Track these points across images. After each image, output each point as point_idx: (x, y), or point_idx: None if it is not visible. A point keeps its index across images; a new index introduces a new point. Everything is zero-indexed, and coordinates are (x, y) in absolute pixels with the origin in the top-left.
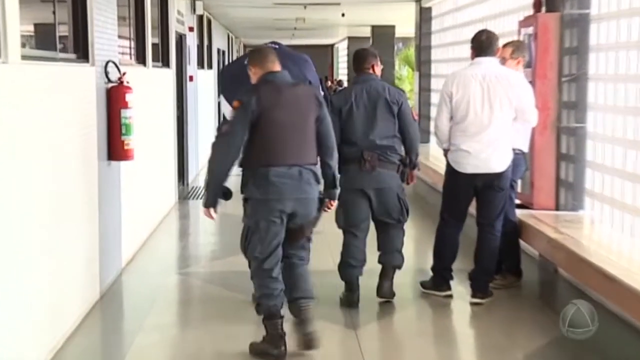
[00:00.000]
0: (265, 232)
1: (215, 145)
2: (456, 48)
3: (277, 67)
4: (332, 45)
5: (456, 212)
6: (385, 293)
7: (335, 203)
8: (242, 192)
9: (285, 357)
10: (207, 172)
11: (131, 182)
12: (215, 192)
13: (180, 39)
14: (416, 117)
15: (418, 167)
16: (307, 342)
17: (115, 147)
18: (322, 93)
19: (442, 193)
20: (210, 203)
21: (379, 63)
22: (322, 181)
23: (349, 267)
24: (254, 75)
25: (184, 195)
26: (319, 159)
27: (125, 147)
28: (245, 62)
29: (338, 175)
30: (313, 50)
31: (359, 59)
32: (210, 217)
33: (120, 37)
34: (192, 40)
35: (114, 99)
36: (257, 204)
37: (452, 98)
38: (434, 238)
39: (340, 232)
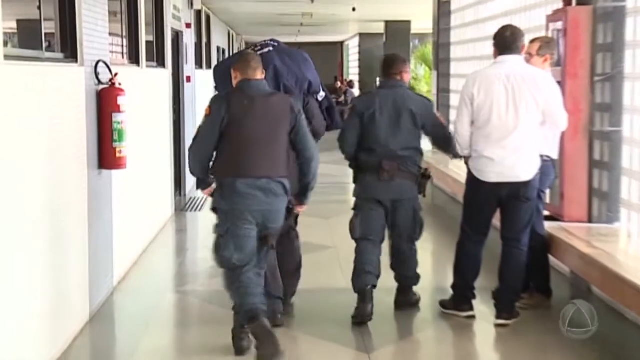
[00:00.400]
0: (238, 236)
1: (188, 153)
2: (478, 45)
3: (257, 75)
4: (341, 43)
5: (478, 224)
6: (405, 305)
7: (305, 208)
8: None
9: (285, 353)
10: (191, 169)
11: (124, 192)
12: (203, 178)
13: (177, 36)
14: (444, 121)
15: (462, 158)
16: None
17: (106, 154)
18: (323, 94)
19: (462, 204)
20: (202, 186)
21: (408, 70)
22: (288, 192)
23: (362, 273)
24: (235, 79)
25: (181, 206)
26: (299, 167)
27: (118, 155)
28: None
29: (314, 187)
30: (321, 48)
31: (387, 64)
32: (207, 193)
33: (111, 34)
34: (189, 38)
35: (105, 102)
36: (225, 213)
37: (473, 100)
38: (454, 253)
39: (351, 246)
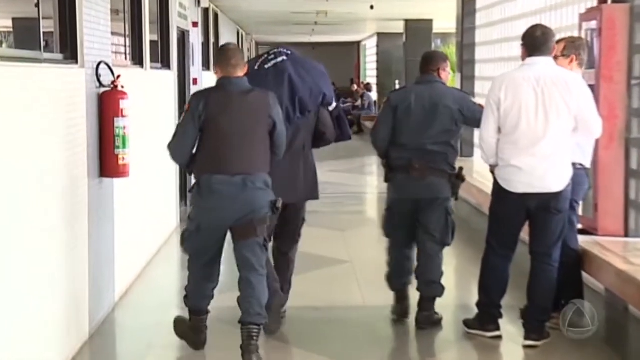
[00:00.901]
0: (205, 234)
1: (168, 149)
2: (505, 46)
3: (237, 72)
4: (358, 43)
5: (506, 238)
6: (426, 322)
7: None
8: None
9: (204, 346)
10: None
11: (126, 202)
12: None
13: (183, 36)
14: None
15: None
16: None
17: (108, 162)
18: (335, 104)
19: (488, 216)
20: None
21: (447, 69)
22: (271, 186)
23: (395, 276)
24: (216, 75)
25: (186, 217)
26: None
27: (120, 162)
28: (256, 67)
29: None
30: (336, 49)
31: (426, 60)
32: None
33: (113, 34)
34: (196, 38)
35: (107, 106)
36: (199, 210)
37: (500, 105)
38: (480, 269)
39: (369, 260)
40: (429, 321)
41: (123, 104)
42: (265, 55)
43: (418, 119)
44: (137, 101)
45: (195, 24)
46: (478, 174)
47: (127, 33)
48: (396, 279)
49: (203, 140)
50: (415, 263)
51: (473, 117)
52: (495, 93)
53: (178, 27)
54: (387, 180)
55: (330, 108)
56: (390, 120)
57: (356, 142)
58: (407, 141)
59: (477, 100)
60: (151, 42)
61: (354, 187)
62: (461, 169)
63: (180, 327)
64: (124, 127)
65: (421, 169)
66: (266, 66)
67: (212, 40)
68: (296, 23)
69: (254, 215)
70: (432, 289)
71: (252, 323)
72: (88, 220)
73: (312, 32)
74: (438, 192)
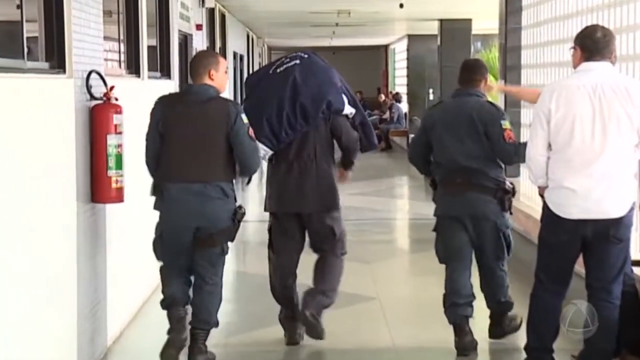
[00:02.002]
0: (169, 242)
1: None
2: (556, 49)
3: (202, 79)
4: (386, 47)
5: (557, 271)
6: (499, 335)
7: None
8: None
9: (181, 343)
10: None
11: (121, 231)
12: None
13: (185, 40)
14: (513, 139)
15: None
16: None
17: (100, 185)
18: (352, 110)
19: (537, 246)
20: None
21: (487, 77)
22: (232, 195)
23: (452, 306)
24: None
25: None
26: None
27: (114, 186)
28: (270, 72)
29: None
30: (360, 54)
31: (466, 69)
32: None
33: (106, 39)
34: (200, 42)
35: (99, 121)
36: (160, 216)
37: (550, 118)
38: (528, 307)
39: (399, 297)
40: (504, 332)
41: (117, 118)
42: (282, 59)
43: (450, 136)
44: (134, 115)
45: (199, 27)
46: (525, 197)
47: (122, 38)
48: (450, 309)
49: (163, 148)
50: (472, 286)
51: (496, 147)
52: (545, 104)
53: (180, 31)
54: (434, 198)
55: (349, 115)
56: (423, 138)
57: (384, 160)
58: (442, 158)
59: (524, 112)
60: (149, 47)
61: (381, 212)
62: (511, 182)
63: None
64: (118, 146)
65: (461, 183)
66: (278, 70)
67: (218, 44)
68: (314, 24)
69: (213, 229)
70: (500, 307)
71: (197, 327)
72: (76, 254)
73: (333, 34)
74: (481, 208)
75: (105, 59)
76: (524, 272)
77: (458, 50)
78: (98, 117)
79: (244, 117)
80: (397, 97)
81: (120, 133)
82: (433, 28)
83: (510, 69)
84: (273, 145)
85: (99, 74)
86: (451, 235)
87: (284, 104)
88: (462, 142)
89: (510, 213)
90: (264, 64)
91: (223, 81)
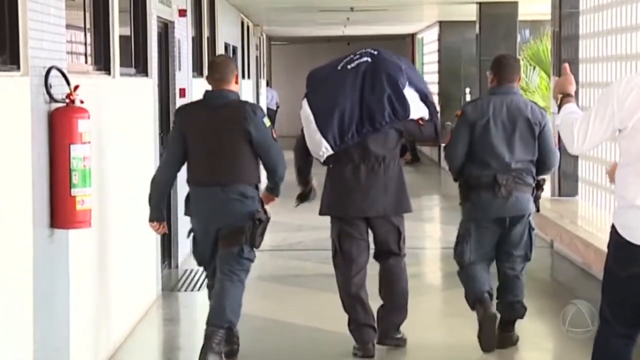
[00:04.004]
0: (200, 243)
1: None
2: (623, 38)
3: (221, 84)
4: (412, 36)
5: (628, 311)
6: (506, 343)
7: (273, 201)
8: None
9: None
10: (150, 186)
11: (87, 263)
12: (157, 203)
13: (166, 29)
14: (557, 143)
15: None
16: None
17: (61, 206)
18: (422, 115)
19: (602, 280)
20: (152, 215)
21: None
22: (253, 196)
23: (475, 289)
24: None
25: (172, 284)
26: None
27: (78, 207)
28: (339, 68)
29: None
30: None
31: (506, 67)
32: (158, 231)
33: (69, 27)
34: (184, 31)
35: (60, 128)
36: (191, 220)
37: (623, 119)
38: (592, 353)
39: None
40: (510, 342)
41: (83, 125)
42: (351, 56)
43: (500, 137)
44: (103, 121)
45: (182, 13)
46: (584, 221)
47: (88, 26)
48: (474, 291)
49: (188, 153)
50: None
51: (547, 150)
52: (615, 98)
53: (158, 17)
54: (464, 199)
55: (414, 118)
56: (467, 137)
57: (410, 175)
58: (491, 160)
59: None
60: (121, 38)
61: (407, 239)
62: (543, 179)
63: None
64: (84, 158)
65: (507, 185)
66: (348, 66)
67: (205, 34)
68: (324, 9)
69: (231, 227)
70: (514, 310)
71: (211, 325)
72: (33, 289)
73: (347, 21)
74: (525, 208)
75: (68, 53)
76: None
77: (501, 41)
78: (59, 124)
79: (266, 120)
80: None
81: (86, 143)
82: (470, 13)
83: (567, 63)
84: (336, 146)
85: (60, 70)
86: (486, 239)
87: (354, 106)
88: (515, 144)
89: (538, 210)
90: (261, 58)
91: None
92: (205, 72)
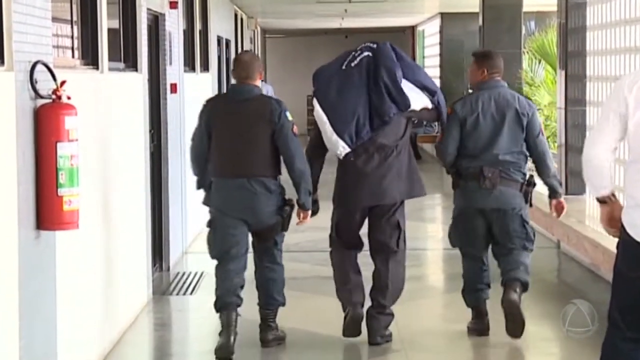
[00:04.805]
0: (219, 234)
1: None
2: (633, 30)
3: (250, 80)
4: (412, 28)
5: (638, 315)
6: (512, 306)
7: (308, 214)
8: None
9: (232, 347)
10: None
11: (74, 266)
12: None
13: (156, 21)
14: (543, 133)
15: (560, 194)
16: (265, 344)
17: (48, 206)
18: (425, 104)
19: (612, 282)
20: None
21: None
22: (277, 190)
23: (473, 291)
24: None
25: (163, 288)
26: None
27: (65, 208)
28: (343, 67)
29: (308, 187)
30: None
31: (491, 57)
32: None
33: (55, 20)
34: (175, 24)
35: (47, 125)
36: (212, 210)
37: (628, 115)
38: (600, 358)
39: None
40: (516, 304)
41: (69, 122)
42: (353, 53)
43: (488, 130)
44: (90, 118)
45: (173, 4)
46: (592, 220)
47: (75, 19)
48: (471, 294)
49: (211, 145)
50: (489, 275)
51: (533, 141)
52: (622, 95)
53: (148, 9)
54: (455, 187)
55: (416, 109)
56: (457, 133)
57: None
58: (478, 152)
59: (590, 111)
60: (110, 31)
61: (409, 240)
62: (531, 176)
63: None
64: (71, 157)
65: (492, 177)
66: (352, 64)
67: (198, 26)
68: (321, 1)
69: (261, 225)
70: (518, 271)
71: (264, 308)
72: (18, 296)
73: (345, 13)
74: (509, 202)
75: (55, 46)
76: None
77: (505, 33)
78: (45, 121)
79: (288, 114)
80: None
81: (73, 140)
82: (473, 4)
83: (573, 56)
84: (352, 143)
85: (46, 65)
86: (471, 226)
87: (364, 103)
88: (503, 136)
89: (530, 205)
90: (256, 51)
91: None
92: (198, 66)
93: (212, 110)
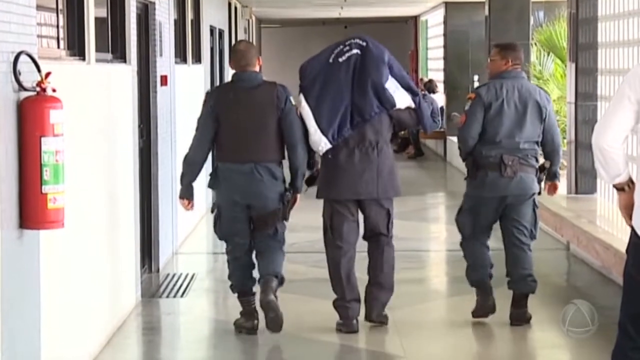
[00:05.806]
0: (225, 217)
1: (193, 139)
2: None
3: (250, 67)
4: (415, 19)
5: None
6: (519, 319)
7: (298, 198)
8: None
9: (257, 329)
10: (182, 163)
11: (59, 266)
12: (189, 182)
13: (145, 10)
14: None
15: (558, 178)
16: (265, 308)
17: (31, 204)
18: (408, 104)
19: (623, 286)
20: (183, 193)
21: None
22: (281, 177)
23: (478, 267)
24: (232, 68)
25: (152, 290)
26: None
27: (51, 206)
28: (330, 60)
29: (305, 172)
30: (381, 28)
31: (513, 49)
32: (187, 208)
33: (40, 9)
34: (165, 13)
35: (30, 119)
36: (217, 193)
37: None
38: None
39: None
40: (524, 318)
41: (55, 116)
42: (341, 46)
43: (512, 118)
44: (77, 112)
45: None
46: (603, 220)
47: (61, 7)
48: (475, 271)
49: (219, 131)
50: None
51: (550, 132)
52: (634, 84)
53: None
54: (471, 177)
55: (400, 107)
56: (481, 118)
57: (413, 171)
58: (500, 139)
59: (601, 105)
60: (97, 20)
61: (410, 241)
62: (545, 161)
63: (237, 322)
64: (56, 152)
65: (513, 165)
66: (340, 59)
67: (189, 16)
68: None
69: (263, 210)
70: (526, 283)
71: (267, 274)
72: (0, 298)
73: (344, 2)
74: (529, 188)
75: (39, 36)
76: (602, 322)
77: (513, 23)
78: (29, 114)
79: (292, 99)
80: (430, 86)
81: (59, 135)
82: None
83: (584, 49)
84: (334, 140)
85: (30, 56)
86: (486, 214)
87: (348, 102)
88: (525, 125)
89: (539, 193)
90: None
91: None
92: (190, 57)
93: (219, 98)
